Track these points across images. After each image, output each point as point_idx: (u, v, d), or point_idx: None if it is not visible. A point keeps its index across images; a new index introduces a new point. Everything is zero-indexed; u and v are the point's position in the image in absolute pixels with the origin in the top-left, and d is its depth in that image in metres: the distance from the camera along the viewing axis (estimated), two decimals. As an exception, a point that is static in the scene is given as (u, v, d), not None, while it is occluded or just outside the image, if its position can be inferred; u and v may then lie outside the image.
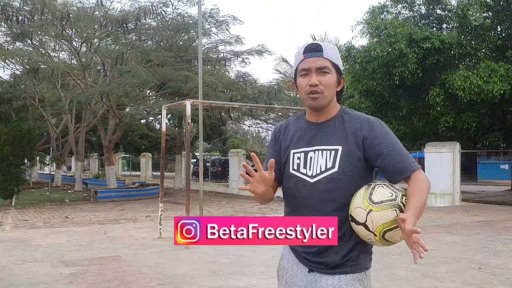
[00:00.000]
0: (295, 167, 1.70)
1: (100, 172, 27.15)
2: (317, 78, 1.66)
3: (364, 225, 1.51)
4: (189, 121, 8.15)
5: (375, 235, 1.51)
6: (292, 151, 1.72)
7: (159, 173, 11.21)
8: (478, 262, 6.01)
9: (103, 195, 16.15)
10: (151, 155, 29.74)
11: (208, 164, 25.78)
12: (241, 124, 31.51)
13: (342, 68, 1.73)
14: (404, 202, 1.52)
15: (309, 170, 1.67)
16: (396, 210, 1.49)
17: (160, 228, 8.03)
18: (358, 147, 1.65)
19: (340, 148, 1.65)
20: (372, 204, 1.51)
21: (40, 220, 10.60)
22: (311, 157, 1.68)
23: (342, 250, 1.62)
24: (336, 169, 1.63)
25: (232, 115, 21.69)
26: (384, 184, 1.59)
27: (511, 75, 13.76)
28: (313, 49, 1.68)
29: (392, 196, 1.53)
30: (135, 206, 14.14)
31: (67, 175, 30.55)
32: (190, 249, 6.77)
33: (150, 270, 5.64)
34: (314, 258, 1.65)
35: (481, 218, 10.62)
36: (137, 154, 34.10)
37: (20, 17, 15.81)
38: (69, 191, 19.61)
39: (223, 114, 20.62)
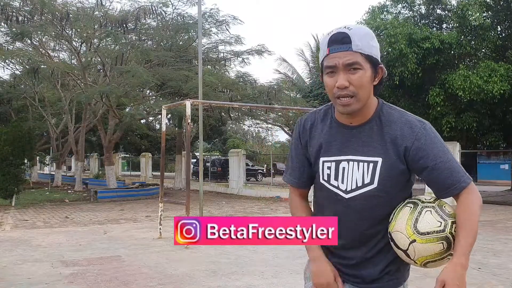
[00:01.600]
0: (325, 178, 1.50)
1: (100, 172, 27.12)
2: (346, 78, 1.36)
3: (405, 252, 1.40)
4: (189, 121, 8.17)
5: (416, 263, 1.40)
6: (321, 159, 1.50)
7: (159, 173, 11.20)
8: (478, 262, 6.01)
9: (103, 195, 16.14)
10: (151, 155, 29.71)
11: (208, 164, 25.76)
12: (241, 124, 31.50)
13: (378, 54, 1.41)
14: (453, 232, 1.37)
15: (342, 183, 1.46)
16: (443, 243, 1.36)
17: (160, 228, 8.04)
18: (400, 159, 1.42)
19: (379, 160, 1.42)
20: (416, 234, 1.36)
21: (40, 220, 10.59)
22: (343, 168, 1.46)
23: (381, 263, 1.49)
24: (375, 185, 1.42)
25: (232, 115, 21.68)
26: (433, 208, 1.40)
27: (511, 75, 13.76)
28: (338, 41, 1.37)
29: (440, 226, 1.37)
30: (135, 206, 14.13)
31: (67, 175, 30.52)
32: (190, 249, 6.78)
33: (150, 270, 5.64)
34: (349, 270, 1.52)
35: (481, 218, 10.50)
36: (137, 154, 34.07)
37: (20, 17, 15.81)
38: (69, 191, 19.59)
39: (223, 114, 20.61)
